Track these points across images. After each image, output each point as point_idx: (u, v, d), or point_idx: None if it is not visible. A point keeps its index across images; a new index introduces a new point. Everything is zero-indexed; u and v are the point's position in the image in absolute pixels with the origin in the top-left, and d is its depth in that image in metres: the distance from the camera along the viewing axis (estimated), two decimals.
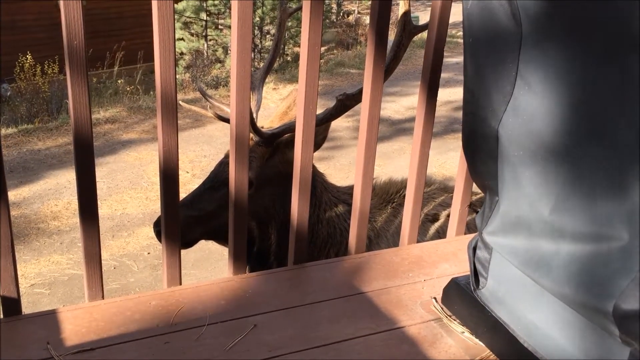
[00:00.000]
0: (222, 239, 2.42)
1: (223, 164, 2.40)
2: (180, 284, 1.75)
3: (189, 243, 2.42)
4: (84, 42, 1.42)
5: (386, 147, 7.80)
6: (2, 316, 1.58)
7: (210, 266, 5.43)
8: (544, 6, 1.21)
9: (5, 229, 1.48)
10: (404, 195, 2.49)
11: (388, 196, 2.51)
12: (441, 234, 2.35)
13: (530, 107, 1.31)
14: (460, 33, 1.61)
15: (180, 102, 2.51)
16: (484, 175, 1.54)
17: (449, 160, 7.38)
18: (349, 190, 2.54)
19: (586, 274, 1.23)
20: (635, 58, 1.12)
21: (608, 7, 1.13)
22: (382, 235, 2.42)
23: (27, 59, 10.43)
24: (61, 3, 1.38)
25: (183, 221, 1.87)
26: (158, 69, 1.54)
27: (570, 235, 1.25)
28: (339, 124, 8.76)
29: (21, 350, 1.46)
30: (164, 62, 1.53)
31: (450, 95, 9.56)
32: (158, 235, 2.27)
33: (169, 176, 1.64)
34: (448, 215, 2.38)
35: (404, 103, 9.57)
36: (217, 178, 2.39)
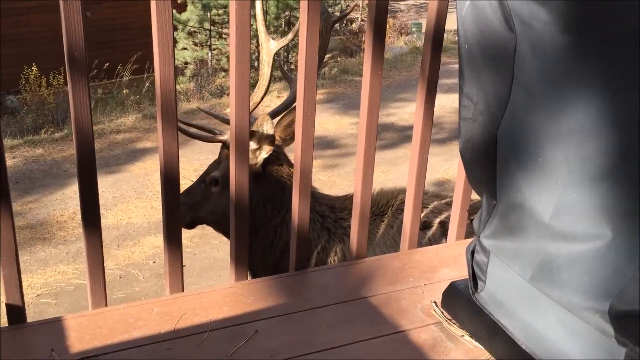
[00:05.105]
0: (211, 225, 2.77)
1: (214, 162, 2.69)
2: (183, 290, 1.77)
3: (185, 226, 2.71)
4: (85, 53, 1.44)
5: (391, 153, 7.81)
6: (7, 324, 1.60)
7: (215, 275, 5.44)
8: (536, 11, 1.22)
9: (10, 238, 1.51)
10: (392, 206, 2.52)
11: (377, 209, 2.53)
12: (433, 241, 2.36)
13: (528, 111, 1.32)
14: None
15: (198, 107, 2.76)
16: (482, 180, 1.55)
17: (453, 166, 7.37)
18: (331, 201, 2.59)
19: (585, 274, 1.24)
20: (636, 56, 1.13)
21: (603, 7, 1.15)
22: (369, 246, 2.43)
23: (32, 71, 10.52)
24: (62, 16, 1.40)
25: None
26: (158, 76, 1.56)
27: (571, 237, 1.26)
28: (342, 131, 8.77)
29: (26, 357, 1.48)
30: (164, 69, 1.56)
31: (454, 101, 9.54)
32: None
33: (170, 184, 1.66)
34: (440, 222, 2.40)
35: (408, 110, 9.58)
36: (206, 173, 2.67)
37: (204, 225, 2.81)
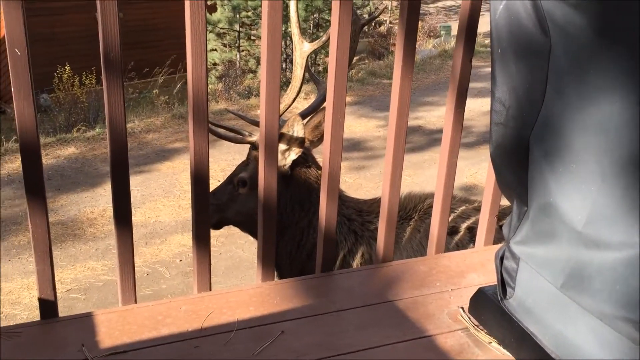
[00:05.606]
0: (238, 226, 2.79)
1: (241, 163, 2.70)
2: (210, 289, 1.78)
3: (212, 226, 2.69)
4: (120, 54, 1.47)
5: (417, 157, 7.78)
6: (40, 318, 1.63)
7: (240, 274, 5.48)
8: (571, 15, 1.21)
9: (44, 234, 1.54)
10: (420, 210, 2.51)
11: (405, 213, 2.52)
12: (460, 246, 2.35)
13: (562, 117, 1.31)
14: None
15: (227, 109, 2.79)
16: (512, 186, 1.54)
17: (480, 170, 7.31)
18: (359, 204, 2.58)
19: (617, 283, 1.22)
20: None
21: (636, 9, 1.13)
22: (396, 250, 2.42)
23: (65, 70, 10.73)
24: (99, 17, 1.43)
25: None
26: (190, 77, 1.58)
27: (603, 245, 1.25)
28: (369, 133, 8.76)
29: (57, 352, 1.51)
30: (196, 69, 1.57)
31: (483, 105, 9.46)
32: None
33: (200, 184, 1.68)
34: (468, 228, 2.38)
35: (436, 113, 9.53)
36: (234, 174, 2.68)
37: (230, 225, 2.83)
